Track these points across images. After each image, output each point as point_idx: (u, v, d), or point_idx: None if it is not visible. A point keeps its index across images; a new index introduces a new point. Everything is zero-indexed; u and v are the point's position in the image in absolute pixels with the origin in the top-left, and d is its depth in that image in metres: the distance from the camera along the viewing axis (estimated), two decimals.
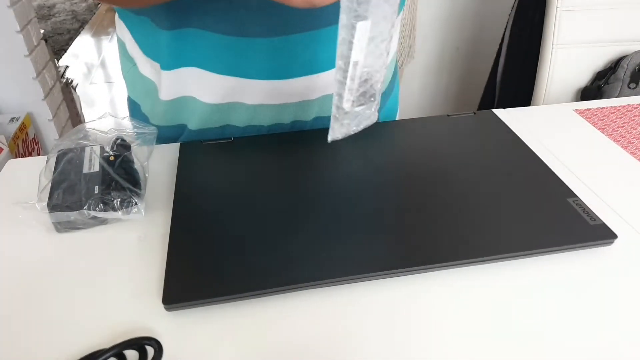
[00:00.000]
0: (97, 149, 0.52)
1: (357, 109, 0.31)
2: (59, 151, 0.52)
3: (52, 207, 0.46)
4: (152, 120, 0.63)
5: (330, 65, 0.57)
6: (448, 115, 0.62)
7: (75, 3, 3.46)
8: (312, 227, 0.45)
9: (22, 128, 1.51)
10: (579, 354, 0.36)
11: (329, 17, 0.53)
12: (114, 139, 0.53)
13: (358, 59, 0.31)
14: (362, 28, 0.30)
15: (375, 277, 0.41)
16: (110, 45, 3.07)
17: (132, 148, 0.53)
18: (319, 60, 0.56)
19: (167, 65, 0.56)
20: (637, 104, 0.69)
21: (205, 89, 0.57)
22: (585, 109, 0.68)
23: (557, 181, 0.51)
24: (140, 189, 0.49)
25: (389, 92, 0.67)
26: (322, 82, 0.58)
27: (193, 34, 0.52)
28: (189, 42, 0.53)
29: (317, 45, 0.54)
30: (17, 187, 0.54)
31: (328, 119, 0.61)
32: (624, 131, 0.63)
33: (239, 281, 0.40)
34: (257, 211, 0.46)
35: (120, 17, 0.60)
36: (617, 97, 1.05)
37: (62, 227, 0.47)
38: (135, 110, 0.66)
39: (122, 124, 0.56)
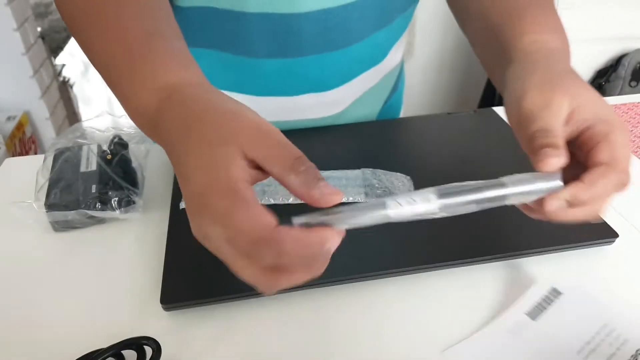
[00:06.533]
0: (94, 147, 0.51)
1: None
2: (56, 150, 0.52)
3: (50, 206, 0.45)
4: None
5: (338, 84, 0.57)
6: (449, 114, 0.62)
7: None
8: None
9: (19, 127, 1.51)
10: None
11: (340, 40, 0.53)
12: (111, 137, 0.53)
13: None
14: None
15: (375, 277, 0.41)
16: None
17: (129, 146, 0.53)
18: (327, 79, 0.56)
19: None
20: (638, 103, 0.69)
21: None
22: None
23: None
24: (138, 187, 0.49)
25: (394, 88, 0.67)
26: (327, 100, 0.58)
27: (200, 53, 0.49)
28: (196, 59, 0.51)
29: (327, 66, 0.54)
30: (14, 186, 0.53)
31: None
32: None
33: (237, 281, 0.40)
34: None
35: None
36: (618, 95, 1.04)
37: (60, 226, 0.47)
38: None
39: (120, 122, 0.55)
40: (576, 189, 0.30)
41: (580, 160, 0.32)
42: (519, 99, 0.34)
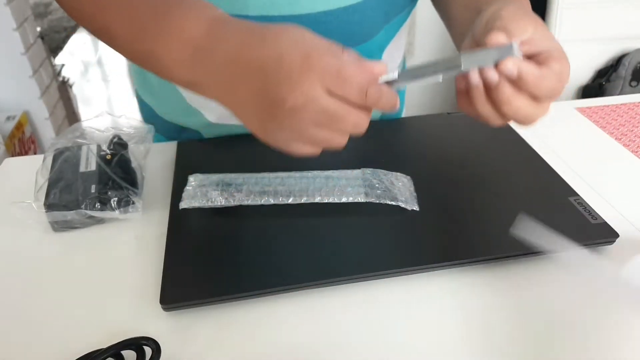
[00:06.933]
0: (93, 147, 0.51)
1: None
2: (55, 150, 0.52)
3: (49, 206, 0.45)
4: (167, 117, 0.62)
5: None
6: (449, 114, 0.62)
7: None
8: (310, 226, 0.45)
9: (19, 126, 1.51)
10: (583, 353, 0.36)
11: (341, 42, 0.52)
12: (110, 137, 0.53)
13: None
14: None
15: (374, 277, 0.41)
16: None
17: (129, 146, 0.53)
18: None
19: None
20: (639, 102, 0.69)
21: (214, 108, 0.57)
22: (586, 107, 0.68)
23: (558, 179, 0.50)
24: (137, 188, 0.49)
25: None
26: None
27: None
28: None
29: None
30: (14, 186, 0.53)
31: None
32: (626, 129, 0.63)
33: (236, 281, 0.40)
34: (255, 210, 0.46)
35: None
36: (618, 95, 1.04)
37: (59, 226, 0.47)
38: (144, 107, 0.65)
39: (119, 122, 0.55)
40: (530, 66, 0.35)
41: None
42: (495, 11, 0.38)
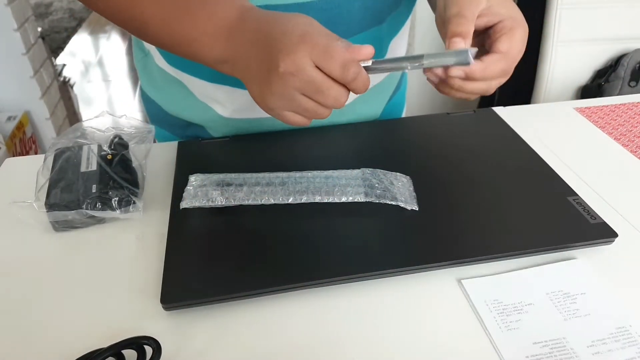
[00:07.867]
0: (94, 147, 0.51)
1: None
2: (56, 150, 0.52)
3: (50, 206, 0.45)
4: (173, 112, 0.62)
5: None
6: (448, 114, 0.62)
7: (73, 1, 3.45)
8: (310, 226, 0.45)
9: (20, 127, 1.51)
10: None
11: (342, 31, 0.52)
12: (111, 137, 0.53)
13: None
14: None
15: (374, 277, 0.41)
16: (107, 43, 3.06)
17: (129, 146, 0.53)
18: None
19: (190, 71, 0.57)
20: (638, 103, 0.69)
21: (226, 102, 0.58)
22: (585, 107, 0.68)
23: (557, 179, 0.51)
24: (138, 187, 0.49)
25: (398, 87, 0.67)
26: None
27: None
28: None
29: None
30: (15, 186, 0.53)
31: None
32: (624, 129, 0.63)
33: (236, 281, 0.40)
34: (255, 210, 0.46)
35: None
36: (617, 95, 1.04)
37: (60, 226, 0.47)
38: (149, 103, 0.65)
39: (120, 122, 0.55)
40: (474, 66, 0.41)
41: (487, 47, 0.44)
42: None
